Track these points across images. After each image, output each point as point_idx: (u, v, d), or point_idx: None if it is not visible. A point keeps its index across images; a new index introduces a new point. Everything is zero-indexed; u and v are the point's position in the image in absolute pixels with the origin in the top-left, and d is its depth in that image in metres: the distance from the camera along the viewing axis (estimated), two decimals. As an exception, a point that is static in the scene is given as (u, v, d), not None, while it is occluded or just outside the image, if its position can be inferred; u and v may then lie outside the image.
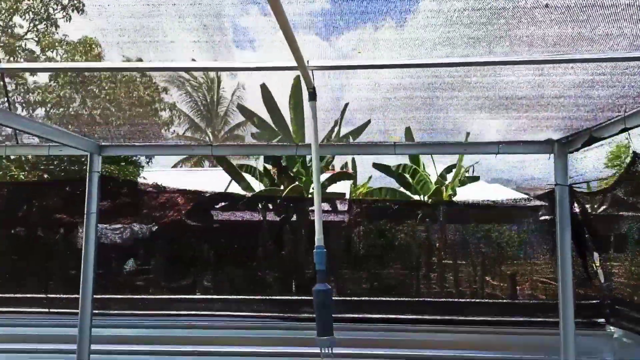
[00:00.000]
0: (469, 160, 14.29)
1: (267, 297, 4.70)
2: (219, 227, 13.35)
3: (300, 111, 11.79)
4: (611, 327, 4.38)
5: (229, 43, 2.48)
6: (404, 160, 14.23)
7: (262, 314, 4.64)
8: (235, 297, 4.80)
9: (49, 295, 4.72)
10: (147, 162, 13.53)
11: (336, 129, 11.14)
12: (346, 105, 4.02)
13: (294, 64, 2.24)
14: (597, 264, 4.38)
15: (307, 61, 2.27)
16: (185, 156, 21.16)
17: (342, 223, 13.82)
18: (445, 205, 12.88)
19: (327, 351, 2.48)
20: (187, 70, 2.96)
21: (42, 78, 12.29)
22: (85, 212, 4.04)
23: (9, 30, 11.41)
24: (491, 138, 4.01)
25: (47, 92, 11.41)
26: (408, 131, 4.04)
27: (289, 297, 4.75)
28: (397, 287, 7.57)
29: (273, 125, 12.42)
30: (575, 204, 4.16)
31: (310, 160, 13.90)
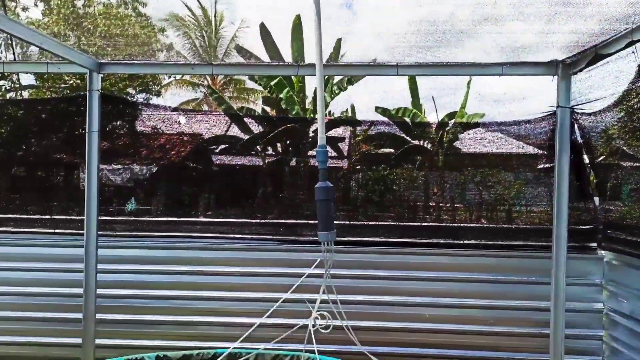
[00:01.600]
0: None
1: (269, 221, 4.79)
2: (218, 169, 13.46)
3: (301, 50, 11.60)
4: (602, 251, 4.51)
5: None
6: (406, 103, 14.17)
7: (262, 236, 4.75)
8: (237, 220, 4.89)
9: (54, 217, 4.81)
10: (146, 102, 13.41)
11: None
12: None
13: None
14: (593, 187, 4.45)
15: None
16: (185, 100, 20.96)
17: (340, 169, 13.93)
18: (445, 151, 12.92)
19: (327, 250, 2.58)
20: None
21: (35, 14, 11.98)
22: (86, 131, 4.05)
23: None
24: (495, 59, 3.96)
25: (41, 28, 11.12)
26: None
27: (291, 221, 4.84)
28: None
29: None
30: (576, 127, 4.17)
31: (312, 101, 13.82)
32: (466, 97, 13.96)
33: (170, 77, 19.15)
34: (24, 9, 11.96)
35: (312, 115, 13.01)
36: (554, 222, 4.16)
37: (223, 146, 13.54)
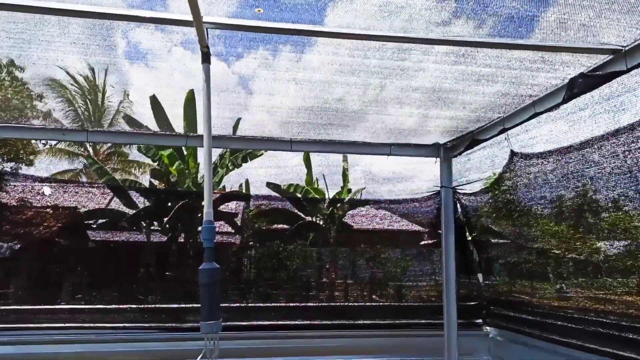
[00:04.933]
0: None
1: (147, 306, 4.24)
2: (95, 247, 12.16)
3: (194, 124, 11.38)
4: (487, 327, 4.65)
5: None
6: (298, 181, 14.36)
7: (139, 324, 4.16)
8: (109, 306, 4.26)
9: None
10: (12, 173, 11.98)
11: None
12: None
13: (189, 17, 2.05)
14: (477, 264, 4.64)
15: (202, 17, 2.10)
16: (60, 170, 19.19)
17: (233, 245, 13.41)
18: (337, 228, 13.16)
19: (211, 340, 2.25)
20: (69, 14, 2.52)
21: None
22: None
23: None
24: (384, 140, 4.11)
25: None
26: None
27: (171, 305, 4.33)
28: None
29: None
30: (458, 206, 4.40)
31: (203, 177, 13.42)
32: (345, 174, 14.61)
33: (45, 144, 17.61)
34: None
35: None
36: (444, 301, 4.23)
37: (102, 221, 12.41)
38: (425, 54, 2.55)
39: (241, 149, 11.70)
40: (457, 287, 4.32)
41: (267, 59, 2.61)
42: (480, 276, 4.70)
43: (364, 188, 15.07)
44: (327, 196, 15.14)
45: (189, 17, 2.07)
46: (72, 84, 17.64)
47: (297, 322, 4.58)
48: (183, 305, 4.33)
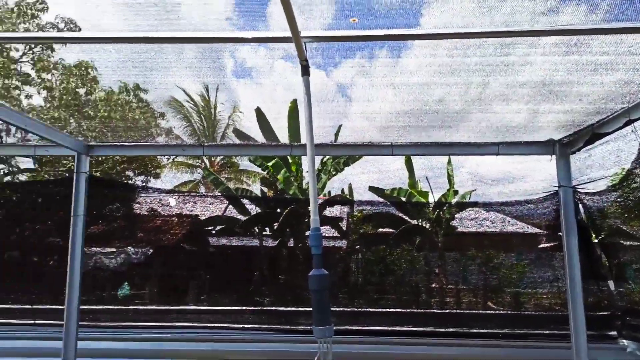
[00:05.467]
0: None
1: (264, 309, 4.48)
2: (215, 251, 13.07)
3: (297, 134, 11.82)
4: (624, 340, 4.18)
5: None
6: (400, 184, 14.17)
7: (258, 325, 4.40)
8: (230, 308, 4.58)
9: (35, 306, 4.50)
10: (143, 187, 13.40)
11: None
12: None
13: (288, 34, 2.15)
14: (607, 270, 4.21)
15: (300, 32, 2.19)
16: (182, 182, 21.10)
17: (339, 250, 13.60)
18: (444, 231, 12.72)
19: (324, 344, 2.31)
20: (183, 41, 2.81)
21: (37, 100, 12.33)
22: (71, 215, 3.88)
23: (5, 53, 11.45)
24: (491, 139, 3.91)
25: (42, 113, 11.38)
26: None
27: (286, 308, 4.53)
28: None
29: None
30: (580, 207, 4.02)
31: (308, 183, 13.84)
32: (449, 176, 14.03)
33: (169, 158, 19.44)
34: (27, 96, 12.33)
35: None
36: (569, 310, 3.88)
37: (220, 227, 13.35)
38: (532, 46, 2.40)
39: (344, 154, 11.87)
40: (585, 294, 3.94)
41: (364, 66, 2.64)
42: (611, 283, 4.24)
43: (474, 190, 14.40)
44: (431, 199, 14.72)
45: (288, 34, 2.17)
46: (188, 101, 19.32)
47: (407, 329, 4.53)
48: (296, 309, 4.51)
